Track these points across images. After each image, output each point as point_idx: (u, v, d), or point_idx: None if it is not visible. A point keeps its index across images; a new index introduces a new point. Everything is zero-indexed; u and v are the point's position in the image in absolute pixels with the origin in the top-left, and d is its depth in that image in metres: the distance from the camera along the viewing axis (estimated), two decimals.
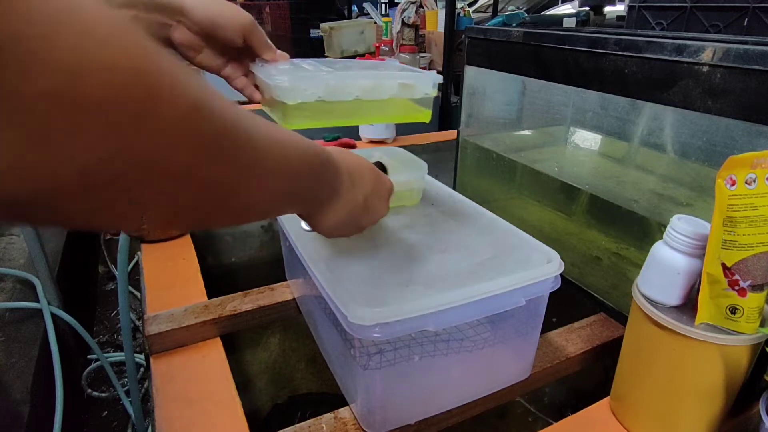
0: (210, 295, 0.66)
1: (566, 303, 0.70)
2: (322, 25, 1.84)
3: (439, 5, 1.75)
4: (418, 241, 0.53)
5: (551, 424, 0.50)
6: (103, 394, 1.40)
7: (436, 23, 1.77)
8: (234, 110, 0.25)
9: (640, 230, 0.65)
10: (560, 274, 0.48)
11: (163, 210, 0.23)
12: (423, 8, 1.75)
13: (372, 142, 1.28)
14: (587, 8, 1.96)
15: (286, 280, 0.69)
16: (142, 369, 1.38)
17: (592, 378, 0.73)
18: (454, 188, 0.88)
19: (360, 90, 0.46)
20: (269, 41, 0.53)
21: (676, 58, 0.51)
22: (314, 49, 2.05)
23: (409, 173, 0.61)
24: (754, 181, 0.36)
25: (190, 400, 0.50)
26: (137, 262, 1.29)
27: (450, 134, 1.39)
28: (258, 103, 0.52)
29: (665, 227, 0.43)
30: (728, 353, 0.40)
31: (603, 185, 0.73)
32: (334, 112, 0.47)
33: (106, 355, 1.41)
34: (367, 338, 0.40)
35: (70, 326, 1.25)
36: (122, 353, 1.42)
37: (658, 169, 0.64)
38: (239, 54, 0.52)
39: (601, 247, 0.72)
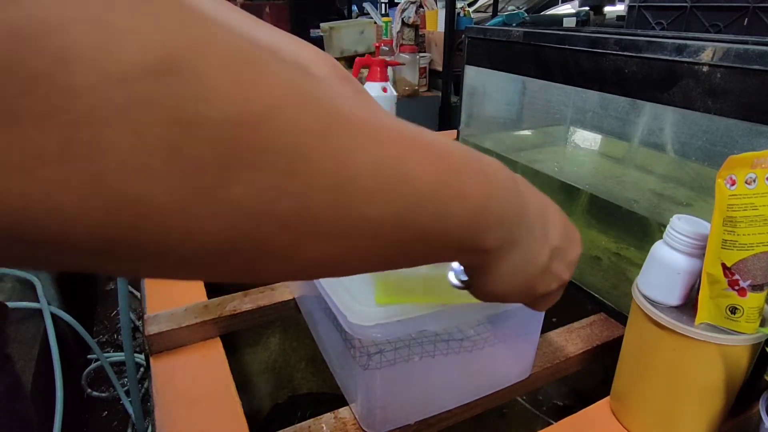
0: (210, 295, 0.66)
1: (566, 303, 0.70)
2: (322, 25, 1.84)
3: (439, 5, 1.75)
4: None
5: (551, 424, 0.50)
6: (103, 394, 1.40)
7: (436, 23, 1.77)
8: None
9: (640, 230, 0.65)
10: None
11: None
12: (423, 8, 1.75)
13: None
14: (587, 8, 1.96)
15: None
16: (142, 369, 1.38)
17: (592, 378, 0.73)
18: None
19: None
20: None
21: (676, 58, 0.51)
22: None
23: None
24: (754, 181, 0.36)
25: (190, 400, 0.50)
26: None
27: (450, 134, 1.39)
28: None
29: (665, 227, 0.43)
30: (728, 353, 0.40)
31: (603, 185, 0.73)
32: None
33: (106, 355, 1.41)
34: (367, 338, 0.40)
35: (70, 326, 1.25)
36: (122, 353, 1.42)
37: (658, 169, 0.64)
38: None
39: (601, 247, 0.72)
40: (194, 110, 0.13)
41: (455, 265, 0.32)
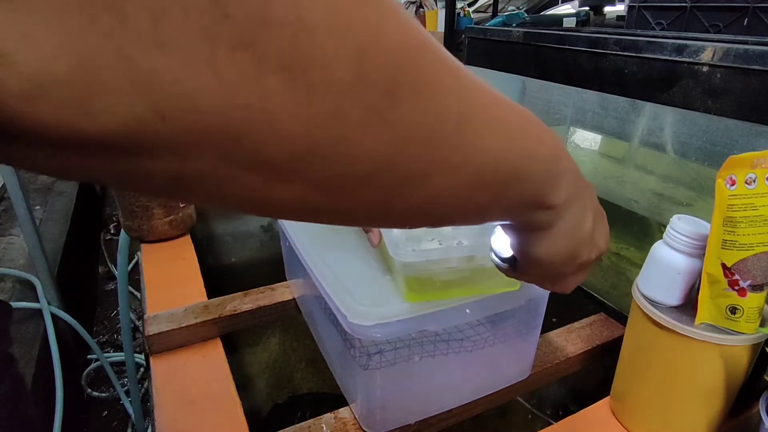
0: (210, 295, 0.66)
1: (566, 303, 0.70)
2: None
3: (439, 5, 1.75)
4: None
5: (551, 424, 0.50)
6: (103, 394, 1.40)
7: (436, 23, 1.77)
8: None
9: (640, 230, 0.65)
10: None
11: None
12: (423, 8, 1.75)
13: None
14: (587, 8, 1.96)
15: (286, 280, 0.69)
16: (142, 369, 1.38)
17: (592, 378, 0.73)
18: None
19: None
20: None
21: (676, 58, 0.51)
22: None
23: None
24: (754, 181, 0.36)
25: (190, 400, 0.50)
26: (137, 262, 1.29)
27: None
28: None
29: (665, 227, 0.43)
30: (728, 353, 0.40)
31: (603, 185, 0.73)
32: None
33: (106, 355, 1.41)
34: (367, 338, 0.40)
35: (70, 326, 1.25)
36: (122, 353, 1.42)
37: (658, 169, 0.64)
38: None
39: None
40: (375, 36, 0.15)
41: (495, 245, 0.33)
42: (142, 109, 0.12)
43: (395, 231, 0.45)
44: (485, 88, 0.21)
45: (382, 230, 0.45)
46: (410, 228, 0.23)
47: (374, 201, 0.18)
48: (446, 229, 0.47)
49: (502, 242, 0.32)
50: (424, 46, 0.17)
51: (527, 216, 0.26)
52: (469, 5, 2.52)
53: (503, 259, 0.32)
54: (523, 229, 0.28)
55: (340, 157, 0.16)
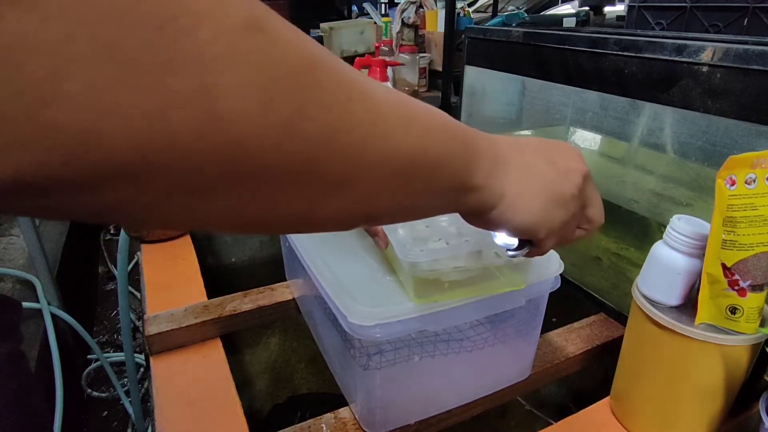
0: (210, 295, 0.66)
1: (566, 303, 0.70)
2: (321, 25, 1.84)
3: (439, 5, 1.74)
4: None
5: (551, 424, 0.50)
6: (103, 394, 1.40)
7: (436, 23, 1.76)
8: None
9: (640, 230, 0.65)
10: (560, 275, 0.48)
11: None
12: (423, 8, 1.74)
13: None
14: (587, 8, 1.96)
15: (286, 280, 0.69)
16: (142, 369, 1.38)
17: (592, 378, 0.73)
18: None
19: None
20: None
21: (676, 58, 0.51)
22: None
23: None
24: (754, 181, 0.36)
25: (190, 400, 0.50)
26: (137, 262, 1.29)
27: None
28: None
29: (665, 227, 0.43)
30: (728, 353, 0.40)
31: (603, 185, 0.73)
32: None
33: (106, 355, 1.41)
34: (367, 338, 0.40)
35: (70, 326, 1.25)
36: (122, 353, 1.42)
37: (658, 169, 0.64)
38: None
39: (601, 247, 0.72)
40: (277, 59, 0.16)
41: (501, 242, 0.34)
42: (46, 158, 0.13)
43: (401, 232, 0.45)
44: (389, 93, 0.22)
45: (387, 232, 0.45)
46: (346, 229, 0.24)
47: (299, 209, 0.20)
48: (452, 229, 0.48)
49: (503, 237, 0.33)
50: (322, 66, 0.18)
51: (462, 202, 0.27)
52: (469, 5, 2.52)
53: (516, 248, 0.33)
54: (479, 215, 0.29)
55: (258, 174, 0.17)
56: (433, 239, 0.45)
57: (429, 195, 0.25)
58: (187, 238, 0.82)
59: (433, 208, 0.27)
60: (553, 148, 0.33)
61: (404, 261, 0.40)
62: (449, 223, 0.48)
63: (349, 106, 0.19)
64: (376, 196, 0.22)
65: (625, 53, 0.57)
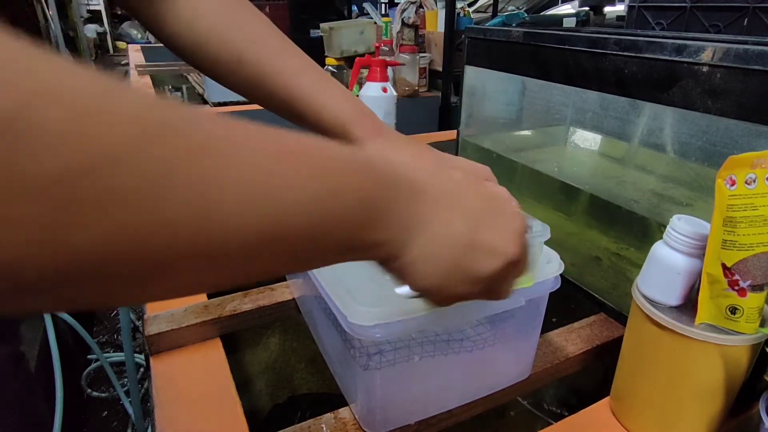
0: (210, 295, 0.66)
1: (566, 303, 0.70)
2: (321, 25, 1.84)
3: (439, 5, 1.74)
4: None
5: (551, 424, 0.50)
6: (103, 394, 1.40)
7: (436, 23, 1.77)
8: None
9: (640, 230, 0.65)
10: (560, 275, 0.48)
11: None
12: (423, 8, 1.75)
13: None
14: (587, 8, 1.96)
15: (286, 280, 0.69)
16: (142, 369, 1.38)
17: (592, 378, 0.73)
18: None
19: None
20: None
21: (676, 58, 0.51)
22: (314, 49, 2.06)
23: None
24: (754, 181, 0.36)
25: (190, 400, 0.50)
26: None
27: (450, 134, 1.39)
28: None
29: (665, 227, 0.43)
30: (728, 353, 0.40)
31: (603, 185, 0.73)
32: None
33: (106, 355, 1.41)
34: (367, 338, 0.40)
35: (70, 326, 1.25)
36: (122, 353, 1.42)
37: (658, 169, 0.64)
38: None
39: (601, 247, 0.72)
40: (25, 168, 0.13)
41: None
42: None
43: None
44: (270, 156, 0.19)
45: None
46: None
47: (125, 295, 0.18)
48: None
49: None
50: (108, 160, 0.14)
51: (358, 256, 0.25)
52: (469, 5, 2.52)
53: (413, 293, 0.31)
54: (379, 263, 0.27)
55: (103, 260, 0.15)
56: None
57: (319, 251, 0.23)
58: None
59: (330, 259, 0.24)
60: (493, 216, 0.29)
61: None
62: None
63: (156, 198, 0.16)
64: (225, 273, 0.20)
65: (625, 53, 0.57)
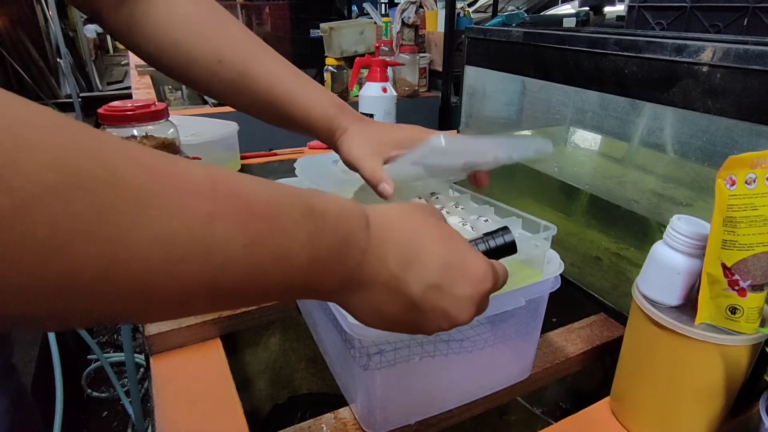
0: None
1: (566, 303, 0.70)
2: (321, 25, 1.84)
3: (439, 5, 1.74)
4: None
5: (551, 424, 0.50)
6: (103, 394, 1.40)
7: (436, 23, 1.76)
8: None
9: (640, 230, 0.65)
10: (560, 275, 0.48)
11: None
12: (423, 8, 1.75)
13: None
14: (587, 8, 1.96)
15: None
16: (142, 369, 1.38)
17: (592, 378, 0.73)
18: None
19: None
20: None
21: (676, 58, 0.51)
22: (314, 49, 2.06)
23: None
24: (754, 181, 0.36)
25: (190, 400, 0.50)
26: None
27: (450, 134, 1.38)
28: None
29: (665, 227, 0.43)
30: (728, 353, 0.40)
31: (603, 185, 0.73)
32: None
33: (106, 355, 1.41)
34: (367, 338, 0.40)
35: None
36: (122, 353, 1.42)
37: (658, 169, 0.64)
38: None
39: (601, 247, 0.72)
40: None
41: None
42: None
43: None
44: (208, 206, 0.18)
45: None
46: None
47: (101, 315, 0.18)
48: (467, 227, 0.49)
49: None
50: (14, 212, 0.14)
51: (302, 297, 0.25)
52: (469, 5, 2.52)
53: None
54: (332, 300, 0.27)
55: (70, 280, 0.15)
56: None
57: (247, 303, 0.22)
58: None
59: (267, 302, 0.24)
60: (450, 282, 0.28)
61: None
62: (465, 220, 0.49)
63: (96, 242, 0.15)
64: (152, 315, 0.20)
65: (625, 53, 0.57)
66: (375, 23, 1.89)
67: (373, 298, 0.27)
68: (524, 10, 2.50)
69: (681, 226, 0.42)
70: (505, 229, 0.35)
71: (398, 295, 0.27)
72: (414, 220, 0.29)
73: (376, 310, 0.27)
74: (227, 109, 1.54)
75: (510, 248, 0.35)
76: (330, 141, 0.51)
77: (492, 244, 0.35)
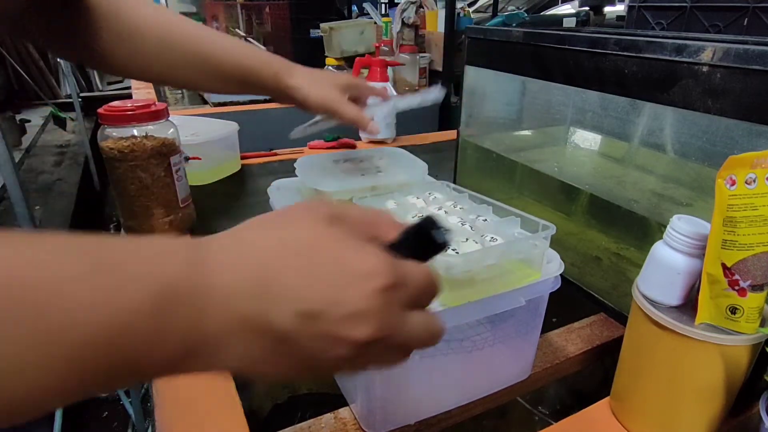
0: None
1: (566, 303, 0.70)
2: (322, 25, 1.84)
3: (439, 5, 1.74)
4: None
5: (551, 424, 0.50)
6: (103, 395, 1.40)
7: (436, 23, 1.76)
8: None
9: (640, 230, 0.65)
10: (560, 275, 0.48)
11: None
12: (423, 8, 1.75)
13: (372, 142, 1.28)
14: (587, 8, 1.96)
15: None
16: None
17: (592, 378, 0.73)
18: None
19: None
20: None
21: (676, 58, 0.51)
22: (314, 49, 2.06)
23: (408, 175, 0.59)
24: (754, 181, 0.36)
25: (191, 400, 0.50)
26: None
27: (450, 134, 1.39)
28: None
29: (665, 227, 0.43)
30: (728, 353, 0.40)
31: (603, 185, 0.73)
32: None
33: None
34: None
35: None
36: None
37: (658, 169, 0.64)
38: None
39: (601, 247, 0.72)
40: None
41: None
42: None
43: None
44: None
45: None
46: None
47: None
48: (467, 227, 0.49)
49: None
50: None
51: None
52: (469, 5, 2.52)
53: None
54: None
55: None
56: (460, 240, 0.46)
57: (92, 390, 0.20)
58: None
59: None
60: (323, 295, 0.22)
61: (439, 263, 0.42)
62: (463, 220, 0.49)
63: None
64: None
65: (625, 53, 0.57)
66: (375, 23, 1.90)
67: (239, 352, 0.22)
68: (524, 10, 2.50)
69: (681, 226, 0.42)
70: (427, 219, 0.27)
71: (263, 337, 0.22)
72: (264, 237, 0.24)
73: (254, 363, 0.23)
74: (227, 109, 1.54)
75: (426, 240, 0.27)
76: (275, 83, 0.58)
77: (407, 242, 0.27)
